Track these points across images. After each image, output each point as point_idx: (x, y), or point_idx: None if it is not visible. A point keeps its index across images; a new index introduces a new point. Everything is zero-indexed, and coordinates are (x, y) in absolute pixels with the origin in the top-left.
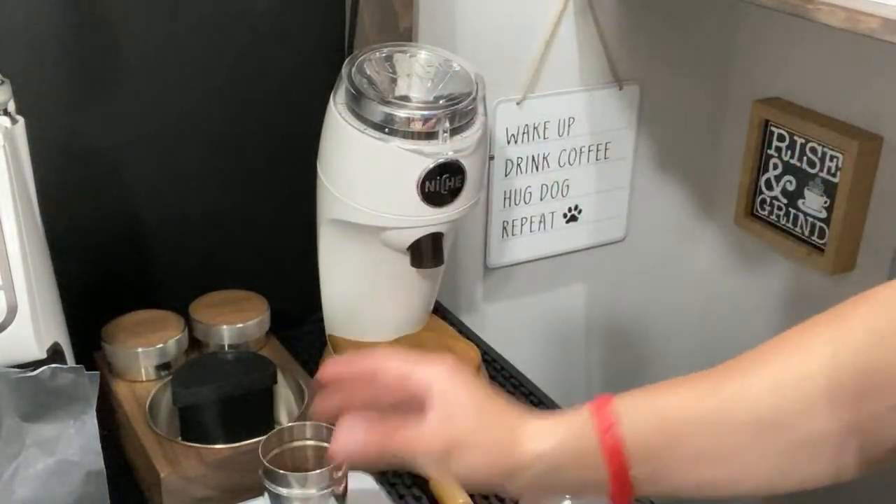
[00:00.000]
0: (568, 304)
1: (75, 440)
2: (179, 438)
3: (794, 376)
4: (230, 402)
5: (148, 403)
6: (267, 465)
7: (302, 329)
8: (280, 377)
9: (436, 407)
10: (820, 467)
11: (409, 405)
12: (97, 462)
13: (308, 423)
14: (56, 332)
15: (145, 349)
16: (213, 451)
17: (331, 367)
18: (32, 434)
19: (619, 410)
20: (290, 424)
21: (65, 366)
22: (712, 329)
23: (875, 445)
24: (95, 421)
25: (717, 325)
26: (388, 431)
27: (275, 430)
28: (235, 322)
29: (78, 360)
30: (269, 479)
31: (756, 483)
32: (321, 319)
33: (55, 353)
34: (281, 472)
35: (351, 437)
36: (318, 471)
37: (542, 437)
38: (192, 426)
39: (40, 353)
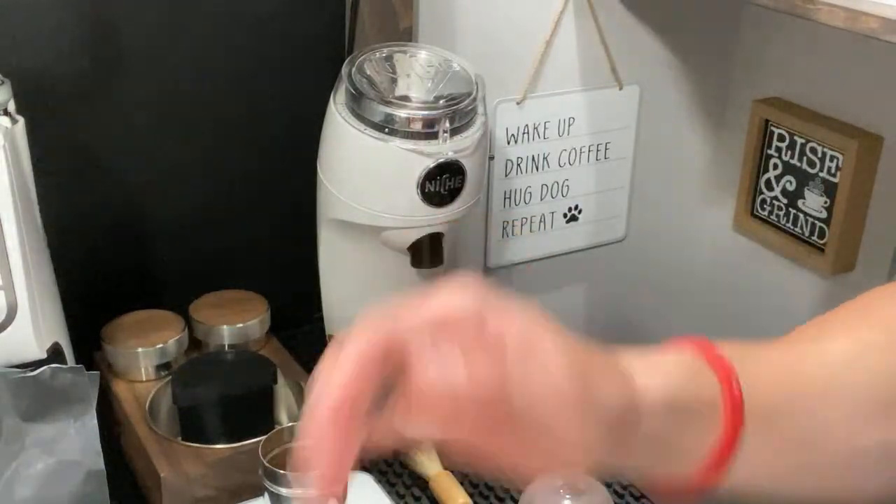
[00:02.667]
0: (568, 304)
1: (75, 440)
2: (179, 438)
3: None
4: (230, 402)
5: (148, 403)
6: (267, 465)
7: (302, 329)
8: (280, 377)
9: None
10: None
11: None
12: (97, 462)
13: None
14: (56, 332)
15: (145, 349)
16: (213, 451)
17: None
18: (32, 434)
19: (729, 356)
20: (290, 424)
21: (65, 366)
22: (713, 329)
23: None
24: (96, 421)
25: (718, 324)
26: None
27: (275, 430)
28: (236, 322)
29: (78, 361)
30: (269, 479)
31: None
32: (321, 319)
33: (55, 353)
34: (281, 472)
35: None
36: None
37: (654, 376)
38: (192, 426)
39: (40, 353)
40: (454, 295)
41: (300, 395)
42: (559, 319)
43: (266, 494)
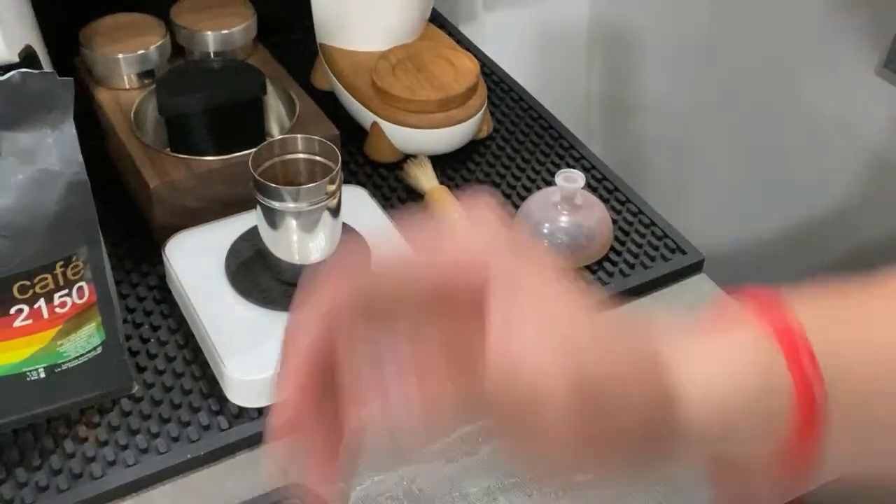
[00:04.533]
0: (571, 11)
1: (54, 150)
2: (168, 150)
3: None
4: (218, 113)
5: (133, 113)
6: (258, 177)
7: (291, 37)
8: (269, 88)
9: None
10: None
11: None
12: (80, 172)
13: (300, 135)
14: (27, 34)
15: (126, 55)
16: (202, 163)
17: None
18: (9, 142)
19: (803, 324)
20: (281, 137)
21: (36, 71)
22: (722, 44)
23: None
24: (74, 130)
25: (728, 38)
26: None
27: (265, 143)
28: (220, 28)
29: (57, 67)
30: (260, 193)
31: None
32: (311, 27)
33: (28, 58)
34: (273, 185)
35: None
36: (310, 184)
37: (696, 373)
38: (179, 137)
39: (11, 56)
40: (458, 252)
41: (290, 106)
42: (561, 29)
43: (258, 207)
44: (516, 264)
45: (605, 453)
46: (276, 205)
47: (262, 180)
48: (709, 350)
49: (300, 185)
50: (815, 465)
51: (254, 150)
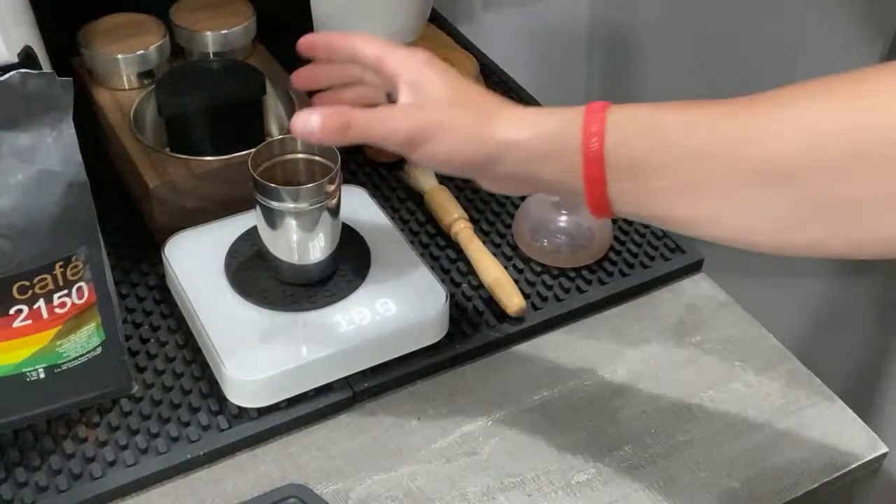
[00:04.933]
0: (571, 11)
1: (54, 150)
2: (167, 150)
3: (816, 130)
4: (218, 113)
5: (132, 113)
6: (257, 177)
7: (290, 37)
8: (269, 88)
9: (404, 94)
10: (808, 236)
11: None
12: (79, 173)
13: None
14: (27, 34)
15: (125, 55)
16: (202, 163)
17: (309, 37)
18: (8, 142)
19: (610, 118)
20: (280, 137)
21: (35, 71)
22: (722, 44)
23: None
24: (73, 130)
25: (728, 38)
26: (351, 110)
27: (265, 143)
28: (219, 28)
29: (56, 67)
30: (259, 192)
31: (741, 234)
32: (311, 27)
33: (28, 58)
34: (272, 185)
35: (312, 113)
36: (309, 184)
37: (521, 125)
38: (179, 137)
39: (10, 57)
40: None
41: (290, 106)
42: (561, 29)
43: (257, 207)
44: (426, 65)
45: (454, 168)
46: (275, 205)
47: (262, 180)
48: (532, 117)
49: (300, 185)
50: (606, 202)
51: (253, 150)
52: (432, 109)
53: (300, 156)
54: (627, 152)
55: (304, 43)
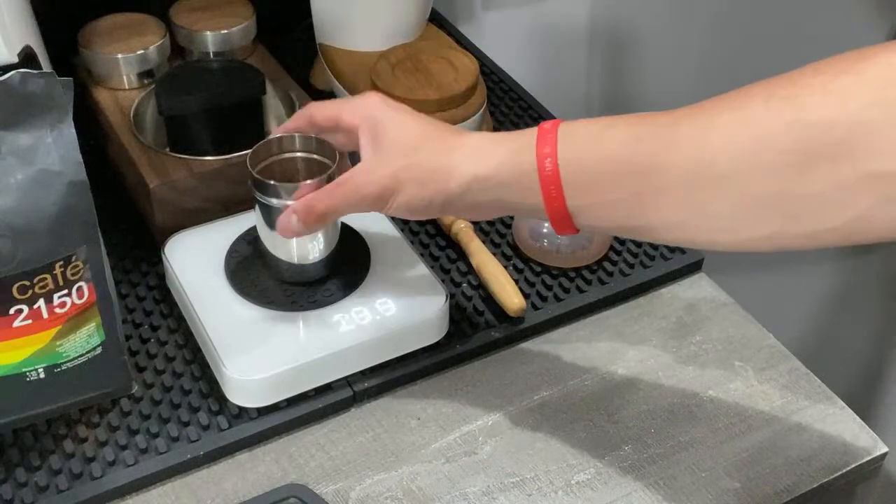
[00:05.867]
0: (571, 11)
1: (54, 150)
2: (167, 149)
3: (751, 132)
4: (218, 113)
5: (132, 113)
6: (256, 175)
7: (290, 37)
8: (269, 88)
9: (365, 147)
10: (763, 231)
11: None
12: (79, 172)
13: (297, 134)
14: (27, 34)
15: (125, 55)
16: (202, 163)
17: (277, 130)
18: (8, 142)
19: (561, 138)
20: (279, 135)
21: (35, 71)
22: (723, 43)
23: (835, 218)
24: (73, 130)
25: (728, 38)
26: (320, 197)
27: (263, 141)
28: (219, 28)
29: (56, 67)
30: (258, 190)
31: (701, 236)
32: (311, 27)
33: (28, 58)
34: (271, 182)
35: (290, 214)
36: (308, 181)
37: (477, 157)
38: (179, 137)
39: (10, 57)
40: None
41: (290, 106)
42: (561, 29)
43: (256, 206)
44: (380, 108)
45: (423, 213)
46: (273, 202)
47: (260, 177)
48: (487, 147)
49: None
50: (568, 217)
51: (252, 150)
52: (390, 163)
53: (299, 154)
54: (580, 169)
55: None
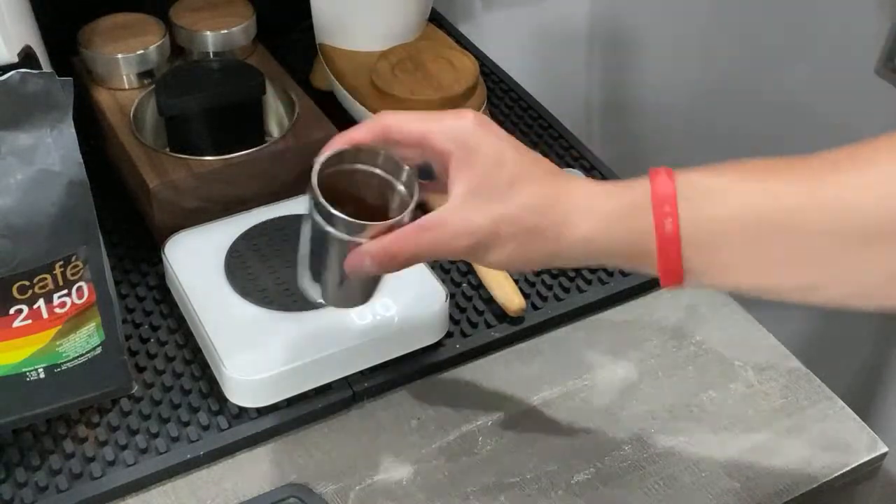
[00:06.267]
0: (571, 11)
1: (54, 150)
2: (167, 150)
3: None
4: (217, 113)
5: (132, 113)
6: (322, 201)
7: (290, 37)
8: (269, 87)
9: (457, 181)
10: None
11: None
12: (79, 172)
13: (370, 147)
14: (27, 34)
15: (125, 55)
16: (202, 163)
17: (339, 140)
18: (8, 142)
19: (681, 192)
20: (345, 147)
21: (35, 71)
22: (722, 43)
23: None
24: (73, 130)
25: (728, 38)
26: (410, 235)
27: (328, 155)
28: (219, 28)
29: (56, 67)
30: (323, 218)
31: (830, 299)
32: (311, 27)
33: (28, 58)
34: (341, 215)
35: (364, 257)
36: (386, 221)
37: (587, 215)
38: (179, 137)
39: (10, 57)
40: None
41: (290, 106)
42: (561, 29)
43: (310, 225)
44: (474, 132)
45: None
46: (341, 236)
47: (331, 208)
48: (597, 204)
49: (362, 201)
50: (681, 276)
51: (323, 157)
52: (487, 209)
53: (368, 170)
54: (704, 229)
55: (339, 146)
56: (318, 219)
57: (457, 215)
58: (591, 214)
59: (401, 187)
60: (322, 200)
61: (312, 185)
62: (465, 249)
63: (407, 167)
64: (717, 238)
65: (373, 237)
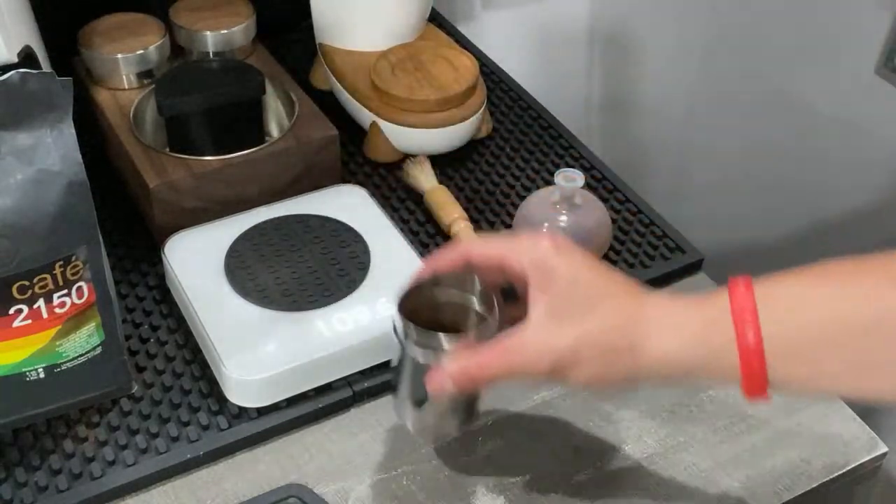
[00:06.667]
0: (571, 11)
1: (53, 150)
2: (167, 150)
3: None
4: (217, 113)
5: (132, 113)
6: (406, 323)
7: (290, 37)
8: (269, 88)
9: (537, 302)
10: None
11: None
12: (79, 172)
13: (451, 272)
14: (27, 34)
15: (125, 55)
16: (202, 163)
17: (423, 268)
18: (8, 142)
19: (761, 303)
20: (430, 275)
21: (35, 71)
22: (722, 43)
23: None
24: (73, 130)
25: (728, 38)
26: (491, 356)
27: (413, 284)
28: (219, 28)
29: (55, 67)
30: (411, 341)
31: None
32: (311, 27)
33: (28, 58)
34: (420, 338)
35: (444, 379)
36: (466, 340)
37: (666, 333)
38: (179, 137)
39: (10, 57)
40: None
41: (289, 106)
42: (561, 28)
43: (401, 352)
44: (550, 254)
45: (603, 388)
46: (420, 357)
47: (406, 326)
48: (678, 322)
49: (444, 324)
50: (765, 387)
51: (404, 292)
52: (567, 331)
53: (450, 293)
54: (788, 339)
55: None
56: (401, 342)
57: (537, 337)
58: (670, 330)
59: (480, 309)
60: (404, 324)
61: (395, 310)
62: (545, 371)
63: (481, 288)
64: (805, 348)
65: (454, 358)
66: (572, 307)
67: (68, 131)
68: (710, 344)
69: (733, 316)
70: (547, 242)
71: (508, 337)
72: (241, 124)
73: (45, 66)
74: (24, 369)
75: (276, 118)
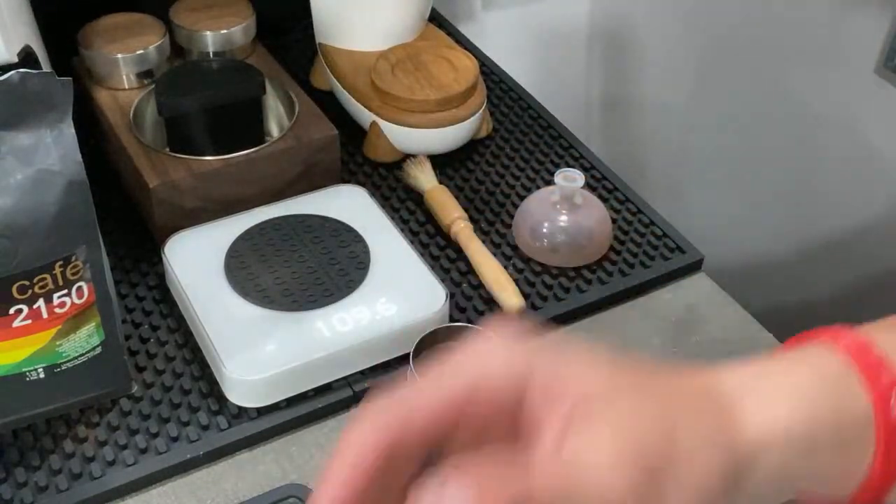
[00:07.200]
0: (571, 11)
1: (53, 149)
2: (167, 150)
3: None
4: (217, 113)
5: (132, 113)
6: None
7: (290, 37)
8: (269, 88)
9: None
10: None
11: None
12: (79, 172)
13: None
14: (26, 34)
15: (125, 55)
16: (202, 163)
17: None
18: (7, 142)
19: (887, 354)
20: (446, 326)
21: (35, 70)
22: (722, 43)
23: None
24: (73, 130)
25: (728, 38)
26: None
27: (429, 332)
28: (219, 28)
29: (55, 67)
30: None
31: None
32: (310, 27)
33: (28, 58)
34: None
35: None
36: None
37: (769, 405)
38: (179, 137)
39: (10, 56)
40: (487, 356)
41: (289, 106)
42: (561, 29)
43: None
44: (554, 365)
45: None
46: None
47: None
48: (782, 383)
49: None
50: None
51: (422, 338)
52: (651, 441)
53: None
54: None
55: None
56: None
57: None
58: (775, 399)
59: None
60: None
61: (410, 366)
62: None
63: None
64: None
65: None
66: (654, 436)
67: (68, 131)
68: (836, 411)
69: (863, 377)
70: (605, 375)
71: None
72: (241, 124)
73: (45, 66)
74: (24, 369)
75: (276, 118)
